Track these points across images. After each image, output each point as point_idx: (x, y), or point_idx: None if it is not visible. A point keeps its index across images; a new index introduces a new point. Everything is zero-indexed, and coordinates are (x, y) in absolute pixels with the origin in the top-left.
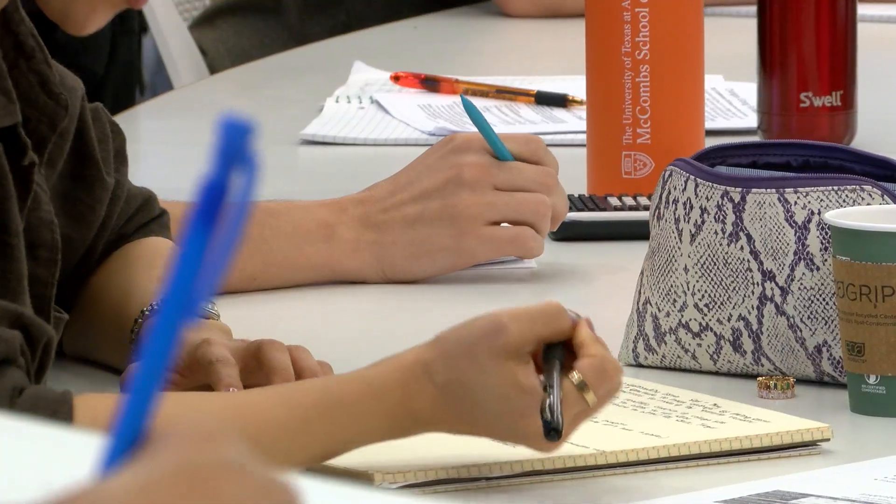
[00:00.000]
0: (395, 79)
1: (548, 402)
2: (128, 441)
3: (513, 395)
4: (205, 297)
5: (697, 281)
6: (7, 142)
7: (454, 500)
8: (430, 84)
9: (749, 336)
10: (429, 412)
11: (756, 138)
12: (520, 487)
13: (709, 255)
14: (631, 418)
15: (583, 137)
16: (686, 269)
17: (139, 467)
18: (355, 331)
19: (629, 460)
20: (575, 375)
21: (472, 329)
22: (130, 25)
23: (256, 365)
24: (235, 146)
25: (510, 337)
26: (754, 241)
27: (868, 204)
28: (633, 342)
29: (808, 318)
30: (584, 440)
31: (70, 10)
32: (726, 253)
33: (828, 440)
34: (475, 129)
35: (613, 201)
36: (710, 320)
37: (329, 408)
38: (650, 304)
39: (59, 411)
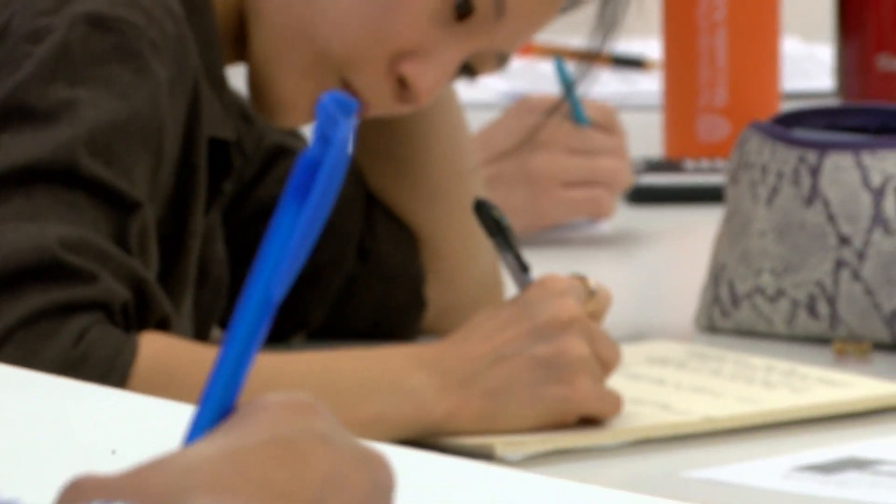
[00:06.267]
0: None
1: None
2: (217, 409)
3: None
4: (295, 270)
5: (773, 245)
6: (212, 158)
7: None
8: None
9: (825, 301)
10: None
11: (833, 101)
12: (631, 454)
13: (785, 219)
14: (716, 384)
15: (659, 100)
16: (762, 234)
17: (229, 434)
18: None
19: (735, 426)
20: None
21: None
22: None
23: None
24: (334, 125)
25: None
26: (831, 206)
27: None
28: (709, 307)
29: (885, 282)
30: (686, 407)
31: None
32: (802, 217)
33: None
34: (548, 91)
35: (689, 164)
36: (786, 285)
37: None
38: (726, 269)
39: (122, 350)
